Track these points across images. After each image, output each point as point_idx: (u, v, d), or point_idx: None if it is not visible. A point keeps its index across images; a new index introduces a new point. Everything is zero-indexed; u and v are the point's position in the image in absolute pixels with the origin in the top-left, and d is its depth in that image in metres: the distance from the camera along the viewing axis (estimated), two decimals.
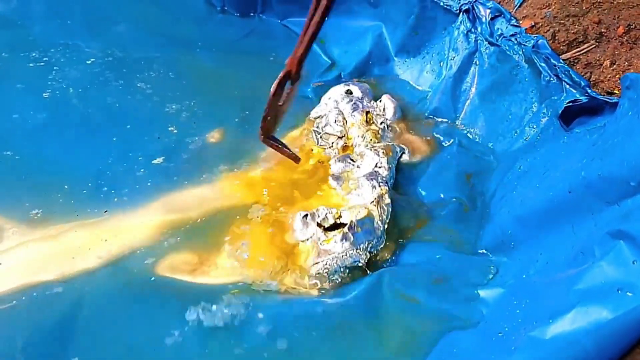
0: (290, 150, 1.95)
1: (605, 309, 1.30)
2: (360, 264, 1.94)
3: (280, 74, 1.71)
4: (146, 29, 2.98)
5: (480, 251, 2.01)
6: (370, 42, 2.92)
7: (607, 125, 1.75)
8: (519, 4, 2.48)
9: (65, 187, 2.14)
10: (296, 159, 1.99)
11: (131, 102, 2.55)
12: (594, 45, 2.18)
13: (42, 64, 2.68)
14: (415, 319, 1.79)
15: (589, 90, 1.95)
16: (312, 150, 2.45)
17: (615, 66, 2.09)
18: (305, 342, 1.72)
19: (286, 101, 1.77)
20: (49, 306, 1.76)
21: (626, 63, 2.07)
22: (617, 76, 2.05)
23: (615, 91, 2.02)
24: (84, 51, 2.77)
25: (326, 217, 2.00)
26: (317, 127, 2.49)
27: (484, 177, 2.30)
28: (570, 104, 1.97)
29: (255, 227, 2.09)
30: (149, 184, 2.20)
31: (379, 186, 2.13)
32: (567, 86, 2.02)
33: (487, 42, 2.44)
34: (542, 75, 2.15)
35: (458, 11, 2.56)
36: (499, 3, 2.49)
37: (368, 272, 1.93)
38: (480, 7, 2.46)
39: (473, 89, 2.54)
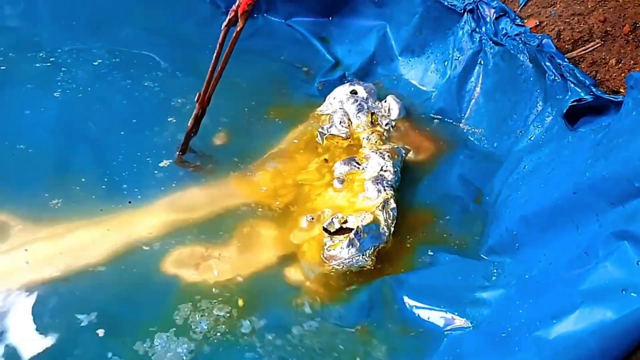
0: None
1: (609, 310, 1.31)
2: (365, 268, 1.96)
3: (195, 111, 2.27)
4: (152, 29, 3.00)
5: (484, 251, 2.01)
6: (374, 42, 2.92)
7: (611, 125, 1.74)
8: (523, 3, 2.47)
9: (83, 180, 2.18)
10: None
11: (139, 101, 2.59)
12: (599, 44, 2.17)
13: (49, 64, 2.71)
14: (419, 319, 1.80)
15: (594, 89, 1.94)
16: (317, 148, 2.46)
17: (620, 65, 2.08)
18: (306, 341, 1.75)
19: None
20: (54, 303, 1.79)
21: (632, 62, 2.06)
22: (623, 75, 2.04)
23: (621, 90, 2.00)
24: (91, 52, 2.80)
25: (332, 221, 2.02)
26: (323, 128, 2.50)
27: (489, 176, 2.29)
28: (575, 103, 1.96)
29: (261, 226, 2.11)
30: (155, 183, 2.22)
31: (385, 190, 2.13)
32: (572, 85, 2.00)
33: (491, 42, 2.43)
34: (547, 75, 2.14)
35: (462, 11, 2.55)
36: (504, 2, 2.48)
37: (373, 274, 1.95)
38: (485, 7, 2.45)
39: (478, 89, 2.53)
